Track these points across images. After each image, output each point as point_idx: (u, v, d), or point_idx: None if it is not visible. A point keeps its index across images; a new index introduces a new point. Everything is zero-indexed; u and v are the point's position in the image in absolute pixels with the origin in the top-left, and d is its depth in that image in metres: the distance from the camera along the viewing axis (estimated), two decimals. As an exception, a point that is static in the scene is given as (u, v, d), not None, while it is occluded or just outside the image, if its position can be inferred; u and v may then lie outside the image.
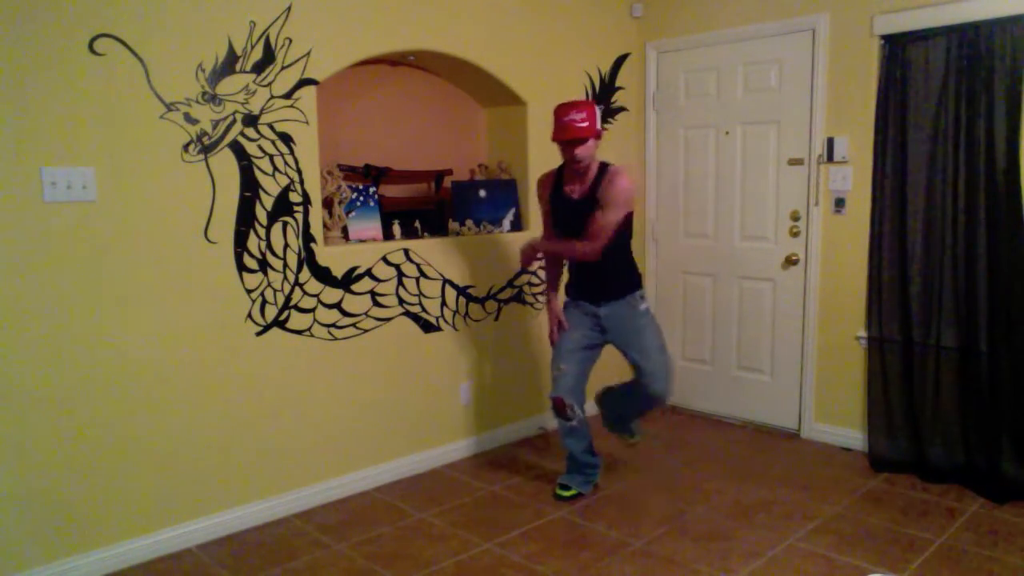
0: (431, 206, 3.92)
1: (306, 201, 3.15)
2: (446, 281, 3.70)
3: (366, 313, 3.41)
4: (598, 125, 3.03)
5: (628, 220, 3.15)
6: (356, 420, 3.42)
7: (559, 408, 3.25)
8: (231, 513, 3.05)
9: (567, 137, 2.98)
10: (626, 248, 3.23)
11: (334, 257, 3.27)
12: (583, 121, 2.95)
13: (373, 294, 3.42)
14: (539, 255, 3.38)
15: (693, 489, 3.37)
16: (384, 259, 3.45)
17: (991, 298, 3.29)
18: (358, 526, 3.11)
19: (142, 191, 2.72)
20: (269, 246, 3.06)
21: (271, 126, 3.02)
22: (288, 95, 3.05)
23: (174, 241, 2.82)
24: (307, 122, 3.12)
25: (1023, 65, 3.16)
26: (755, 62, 4.05)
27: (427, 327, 3.65)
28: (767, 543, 2.91)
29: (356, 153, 3.67)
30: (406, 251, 3.53)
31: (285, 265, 3.12)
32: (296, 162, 3.10)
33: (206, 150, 2.86)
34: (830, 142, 3.78)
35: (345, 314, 3.33)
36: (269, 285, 3.08)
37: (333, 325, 3.30)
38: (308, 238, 3.17)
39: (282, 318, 3.13)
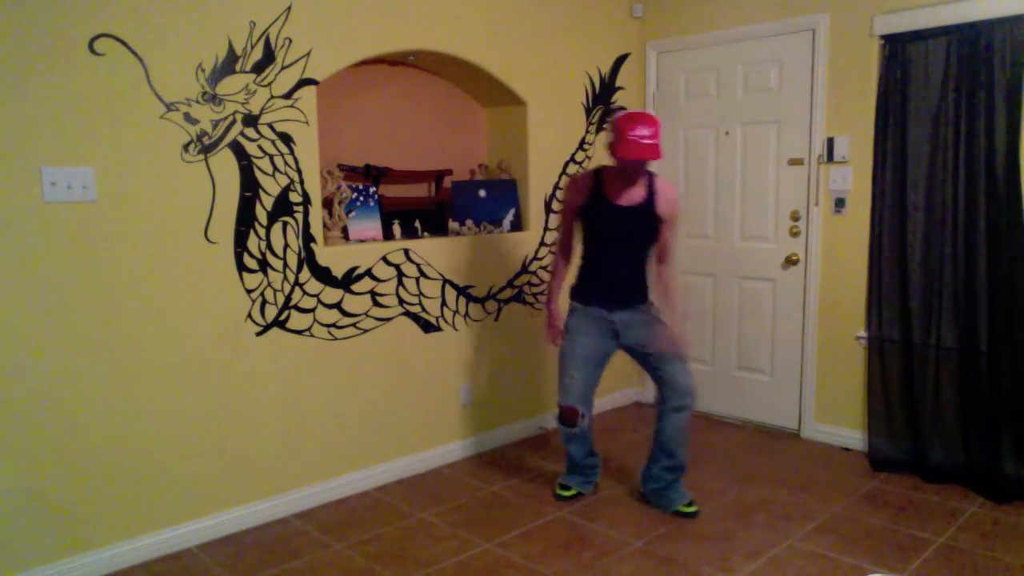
0: (431, 206, 3.92)
1: (306, 201, 3.15)
2: (446, 281, 3.70)
3: (366, 313, 3.41)
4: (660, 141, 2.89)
5: None
6: (356, 420, 3.42)
7: (568, 416, 3.18)
8: (231, 513, 3.05)
9: (636, 157, 2.82)
10: (648, 259, 3.15)
11: (334, 257, 3.27)
12: (651, 138, 2.80)
13: (373, 294, 3.42)
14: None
15: (693, 489, 3.36)
16: (384, 259, 3.45)
17: (991, 298, 3.30)
18: (358, 526, 3.11)
19: (142, 191, 2.72)
20: (269, 246, 3.06)
21: (271, 126, 3.02)
22: (288, 95, 3.05)
23: (174, 241, 2.81)
24: (307, 122, 3.12)
25: (1023, 65, 3.16)
26: (755, 62, 4.05)
27: (427, 327, 3.65)
28: (767, 543, 2.91)
29: (356, 153, 3.67)
30: (406, 251, 3.53)
31: (285, 265, 3.12)
32: (296, 162, 3.10)
33: (206, 150, 2.86)
34: (830, 142, 3.78)
35: (345, 314, 3.33)
36: (269, 285, 3.08)
37: (333, 325, 3.30)
38: (308, 238, 3.17)
39: (282, 318, 3.13)
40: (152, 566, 2.80)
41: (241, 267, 2.99)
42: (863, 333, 3.73)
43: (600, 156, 4.34)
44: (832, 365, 3.89)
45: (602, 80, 4.34)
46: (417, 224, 3.73)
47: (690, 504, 3.18)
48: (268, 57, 2.98)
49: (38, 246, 2.52)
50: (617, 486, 3.47)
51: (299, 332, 3.19)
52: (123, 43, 2.63)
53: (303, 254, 3.17)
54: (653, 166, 3.02)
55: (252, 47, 2.93)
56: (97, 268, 2.65)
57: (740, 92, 4.13)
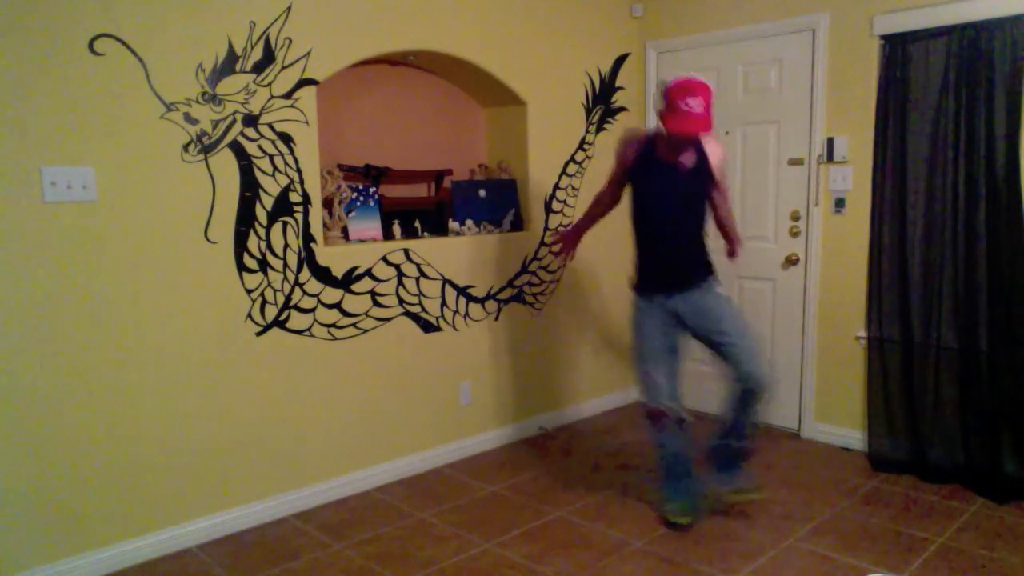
0: (431, 206, 3.92)
1: (306, 201, 3.15)
2: (446, 281, 3.70)
3: (366, 313, 3.41)
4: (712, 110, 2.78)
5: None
6: (356, 420, 3.42)
7: (657, 418, 3.03)
8: (231, 513, 3.05)
9: (685, 131, 2.71)
10: (705, 227, 3.04)
11: (334, 257, 3.27)
12: (703, 109, 2.69)
13: (373, 294, 3.43)
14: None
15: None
16: (384, 259, 3.45)
17: (991, 298, 3.29)
18: (358, 526, 3.11)
19: (142, 191, 2.72)
20: (269, 246, 3.06)
21: (271, 126, 3.02)
22: (288, 95, 3.05)
23: (174, 241, 2.82)
24: (307, 122, 3.12)
25: (1023, 65, 3.16)
26: (755, 62, 4.05)
27: (427, 327, 3.65)
28: (767, 543, 2.91)
29: (356, 153, 3.67)
30: (406, 251, 3.53)
31: (285, 265, 3.12)
32: (296, 162, 3.10)
33: (206, 150, 2.86)
34: (830, 142, 3.78)
35: (345, 314, 3.33)
36: (269, 285, 3.08)
37: (333, 325, 3.30)
38: (308, 238, 3.17)
39: (282, 318, 3.13)
40: (152, 566, 2.80)
41: (241, 267, 2.99)
42: (863, 333, 3.73)
43: (600, 156, 4.35)
44: (832, 365, 3.88)
45: (602, 80, 4.34)
46: (417, 224, 3.73)
47: (740, 491, 3.06)
48: (268, 57, 2.98)
49: (38, 246, 2.52)
50: (617, 486, 3.47)
51: (299, 332, 3.19)
52: (123, 43, 2.63)
53: (303, 254, 3.17)
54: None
55: (252, 47, 2.93)
56: (97, 268, 2.65)
57: (740, 92, 4.13)
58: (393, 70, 3.83)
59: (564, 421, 4.35)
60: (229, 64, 2.88)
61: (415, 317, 3.59)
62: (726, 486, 3.10)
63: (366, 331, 3.41)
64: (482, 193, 3.94)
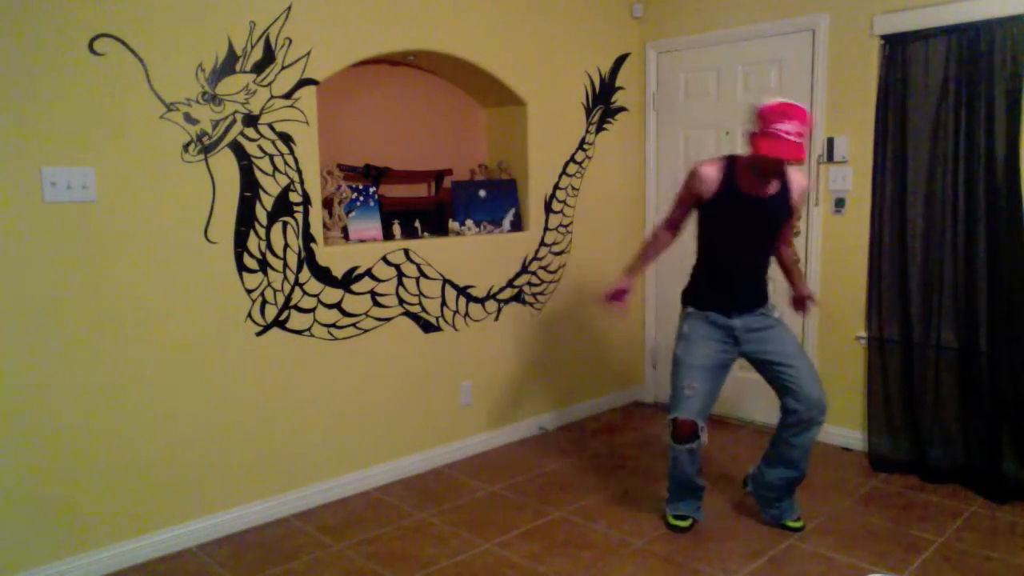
0: (431, 206, 3.92)
1: (306, 201, 3.15)
2: (446, 281, 3.70)
3: (366, 313, 3.41)
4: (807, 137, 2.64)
5: None
6: (356, 420, 3.42)
7: (684, 431, 2.88)
8: (231, 513, 3.05)
9: (780, 156, 2.55)
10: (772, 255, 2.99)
11: (334, 257, 3.27)
12: (798, 136, 2.54)
13: (373, 294, 3.42)
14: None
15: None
16: (384, 259, 3.45)
17: (991, 298, 3.29)
18: (358, 526, 3.11)
19: (142, 191, 2.72)
20: (269, 246, 3.06)
21: (271, 126, 3.02)
22: (288, 95, 3.05)
23: (174, 241, 2.81)
24: (307, 122, 3.12)
25: (1023, 65, 3.16)
26: (755, 62, 4.05)
27: (427, 327, 3.65)
28: (767, 543, 2.91)
29: (356, 153, 3.67)
30: (406, 251, 3.53)
31: (285, 265, 3.12)
32: (296, 162, 3.10)
33: (206, 150, 2.86)
34: (830, 142, 3.78)
35: (345, 314, 3.33)
36: (269, 285, 3.08)
37: (333, 325, 3.30)
38: (308, 238, 3.17)
39: (282, 318, 3.13)
40: (152, 566, 2.80)
41: (241, 267, 2.99)
42: (863, 333, 3.73)
43: (600, 156, 4.35)
44: (832, 365, 3.88)
45: (602, 80, 4.34)
46: (417, 224, 3.73)
47: (799, 519, 3.01)
48: (268, 57, 2.98)
49: (38, 246, 2.52)
50: (617, 486, 3.47)
51: (299, 332, 3.19)
52: (123, 43, 2.63)
53: (303, 254, 3.17)
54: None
55: (252, 47, 2.93)
56: (97, 268, 2.65)
57: (740, 92, 4.13)
58: (393, 70, 3.83)
59: (564, 421, 4.35)
60: (229, 64, 2.88)
61: (415, 317, 3.59)
62: (776, 520, 3.04)
63: (366, 331, 3.41)
64: (482, 193, 3.94)
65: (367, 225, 3.47)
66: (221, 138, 2.89)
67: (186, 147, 2.81)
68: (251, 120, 2.96)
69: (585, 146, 4.29)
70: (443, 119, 4.08)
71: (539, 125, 4.03)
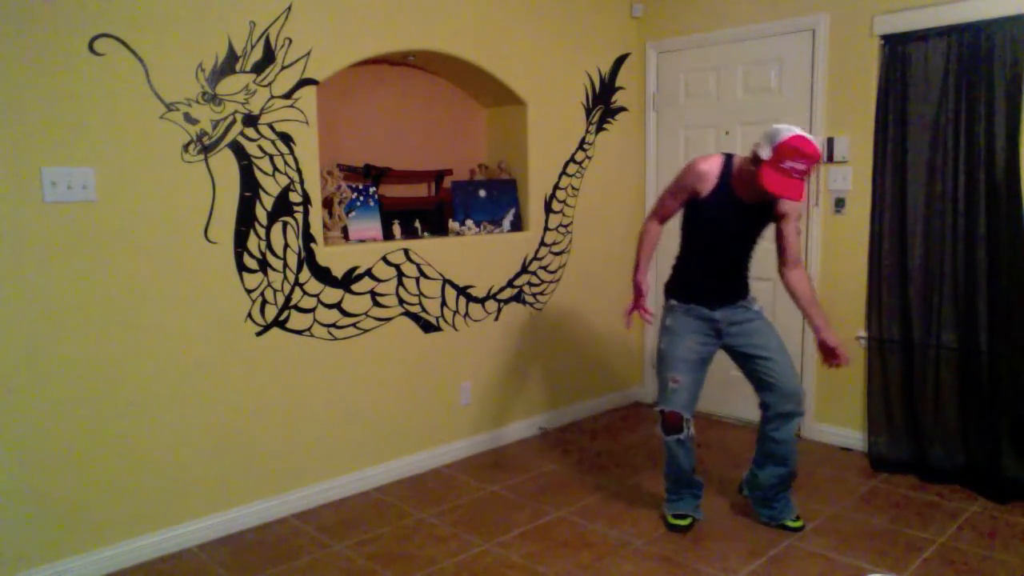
0: (431, 206, 3.93)
1: (306, 201, 3.15)
2: (446, 281, 3.70)
3: (366, 313, 3.41)
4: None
5: None
6: (356, 420, 3.42)
7: (673, 424, 2.92)
8: (231, 513, 3.05)
9: (777, 193, 2.57)
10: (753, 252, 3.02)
11: (334, 257, 3.27)
12: (802, 176, 2.56)
13: (373, 294, 3.43)
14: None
15: (693, 489, 3.36)
16: (384, 259, 3.45)
17: (991, 298, 3.29)
18: (358, 526, 3.11)
19: (142, 191, 2.72)
20: (269, 246, 3.06)
21: (271, 126, 3.02)
22: (288, 95, 3.05)
23: (174, 241, 2.81)
24: (307, 122, 3.12)
25: (1023, 65, 3.16)
26: (755, 62, 4.05)
27: (427, 327, 3.65)
28: (767, 543, 2.91)
29: (356, 153, 3.67)
30: (406, 251, 3.53)
31: (285, 265, 3.12)
32: (296, 162, 3.10)
33: (206, 150, 2.86)
34: (830, 142, 3.78)
35: (345, 314, 3.33)
36: (269, 285, 3.08)
37: (333, 325, 3.30)
38: (308, 238, 3.17)
39: (282, 318, 3.13)
40: (152, 566, 2.80)
41: (241, 267, 2.99)
42: (863, 333, 3.73)
43: (600, 156, 4.35)
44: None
45: (602, 80, 4.34)
46: (417, 224, 3.73)
47: (797, 519, 3.02)
48: (268, 57, 2.98)
49: (38, 246, 2.52)
50: (616, 486, 3.47)
51: (299, 332, 3.19)
52: (123, 43, 2.63)
53: (303, 254, 3.17)
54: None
55: (252, 47, 2.93)
56: (97, 268, 2.65)
57: (740, 92, 4.13)
58: (393, 70, 3.83)
59: (564, 421, 4.35)
60: (229, 64, 2.88)
61: (415, 317, 3.59)
62: (774, 521, 3.04)
63: (366, 331, 3.41)
64: (482, 193, 3.94)
65: (367, 225, 3.47)
66: (221, 138, 2.89)
67: (186, 147, 2.81)
68: (251, 120, 2.96)
69: (585, 146, 4.29)
70: (443, 119, 4.08)
71: (539, 125, 4.03)
